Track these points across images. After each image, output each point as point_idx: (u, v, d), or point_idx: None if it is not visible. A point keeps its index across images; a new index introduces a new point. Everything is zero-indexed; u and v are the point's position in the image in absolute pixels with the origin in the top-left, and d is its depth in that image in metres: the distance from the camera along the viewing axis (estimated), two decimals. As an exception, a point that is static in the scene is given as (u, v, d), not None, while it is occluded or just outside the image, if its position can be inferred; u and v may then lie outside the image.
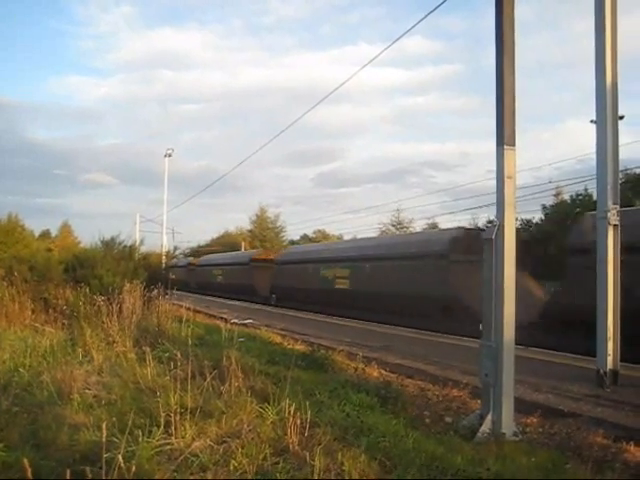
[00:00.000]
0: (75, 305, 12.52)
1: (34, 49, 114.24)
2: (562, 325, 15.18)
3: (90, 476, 3.04)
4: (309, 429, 5.06)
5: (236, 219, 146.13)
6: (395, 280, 23.29)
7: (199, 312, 20.44)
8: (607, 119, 9.65)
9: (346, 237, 48.71)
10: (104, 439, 3.24)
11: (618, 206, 9.63)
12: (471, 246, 19.38)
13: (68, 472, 2.70)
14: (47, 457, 4.59)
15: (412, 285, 22.07)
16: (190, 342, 8.20)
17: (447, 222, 61.69)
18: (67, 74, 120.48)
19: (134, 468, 3.20)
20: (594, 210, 10.64)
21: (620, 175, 11.91)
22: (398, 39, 12.00)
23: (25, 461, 2.53)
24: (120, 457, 3.23)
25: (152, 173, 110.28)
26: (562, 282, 18.32)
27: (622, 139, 10.15)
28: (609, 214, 9.49)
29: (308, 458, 4.44)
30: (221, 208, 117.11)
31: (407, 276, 22.63)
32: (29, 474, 2.47)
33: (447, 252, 21.31)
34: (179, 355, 6.58)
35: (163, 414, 5.16)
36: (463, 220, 45.97)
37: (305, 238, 70.71)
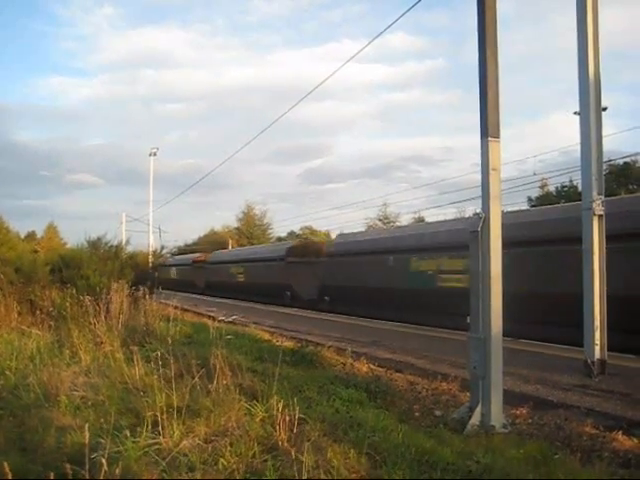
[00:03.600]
0: (62, 306, 12.42)
1: (15, 50, 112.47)
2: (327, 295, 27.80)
3: (71, 476, 3.00)
4: (298, 425, 5.04)
5: (223, 217, 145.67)
6: (261, 275, 35.84)
7: (187, 310, 20.36)
8: (590, 111, 9.69)
9: (333, 233, 49.28)
10: (87, 440, 3.20)
11: (603, 197, 9.69)
12: (301, 252, 32.64)
13: (52, 475, 2.66)
14: (34, 461, 4.54)
15: (269, 277, 33.90)
16: (178, 340, 8.15)
17: (434, 216, 61.72)
18: (50, 75, 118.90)
19: (118, 470, 3.16)
20: (579, 200, 10.71)
21: (604, 166, 11.99)
22: (379, 35, 12.07)
23: (6, 465, 2.49)
24: (104, 458, 3.19)
25: (138, 173, 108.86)
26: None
27: (605, 130, 10.26)
28: (594, 205, 9.54)
29: (296, 454, 4.41)
30: (208, 206, 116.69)
31: (266, 272, 34.69)
32: (9, 476, 2.43)
33: (284, 256, 32.80)
34: (167, 354, 6.53)
35: (151, 414, 5.12)
36: (449, 214, 46.22)
37: (292, 235, 70.44)
